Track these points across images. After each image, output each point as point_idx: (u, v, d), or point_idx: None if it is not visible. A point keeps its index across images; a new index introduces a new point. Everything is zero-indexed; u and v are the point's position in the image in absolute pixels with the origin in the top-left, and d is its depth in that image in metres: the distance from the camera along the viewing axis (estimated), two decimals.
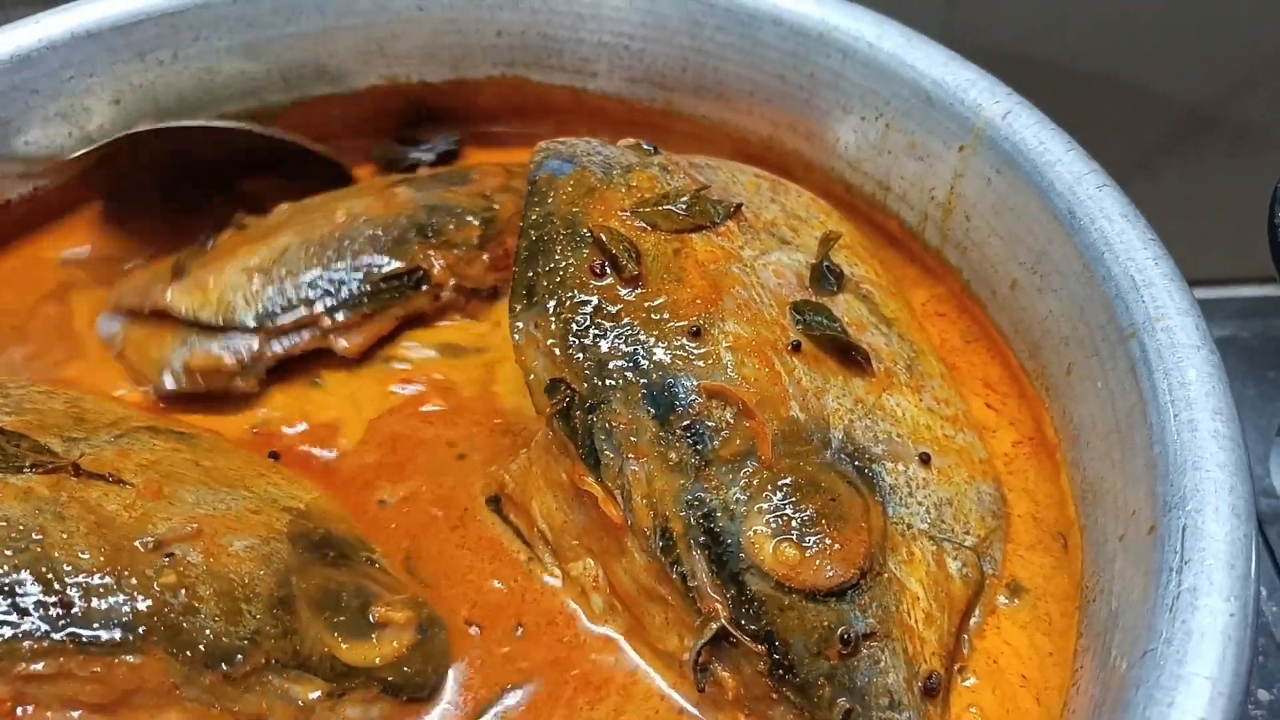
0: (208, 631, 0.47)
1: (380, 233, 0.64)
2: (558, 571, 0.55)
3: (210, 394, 0.61)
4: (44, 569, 0.46)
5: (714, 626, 0.49)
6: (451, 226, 0.66)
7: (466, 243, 0.66)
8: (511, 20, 0.74)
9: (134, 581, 0.47)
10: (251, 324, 0.60)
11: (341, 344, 0.62)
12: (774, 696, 0.49)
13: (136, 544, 0.48)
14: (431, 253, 0.65)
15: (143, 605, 0.46)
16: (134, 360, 0.60)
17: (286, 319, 0.60)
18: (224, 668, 0.47)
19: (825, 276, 0.59)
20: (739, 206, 0.59)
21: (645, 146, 0.63)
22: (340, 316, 0.61)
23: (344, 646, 0.50)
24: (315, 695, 0.48)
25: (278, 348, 0.61)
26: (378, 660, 0.50)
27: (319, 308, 0.61)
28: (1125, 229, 0.53)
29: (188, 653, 0.46)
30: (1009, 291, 0.60)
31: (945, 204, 0.63)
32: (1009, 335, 0.60)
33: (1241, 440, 0.45)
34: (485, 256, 0.67)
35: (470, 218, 0.67)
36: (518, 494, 0.56)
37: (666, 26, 0.71)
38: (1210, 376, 0.47)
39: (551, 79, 0.76)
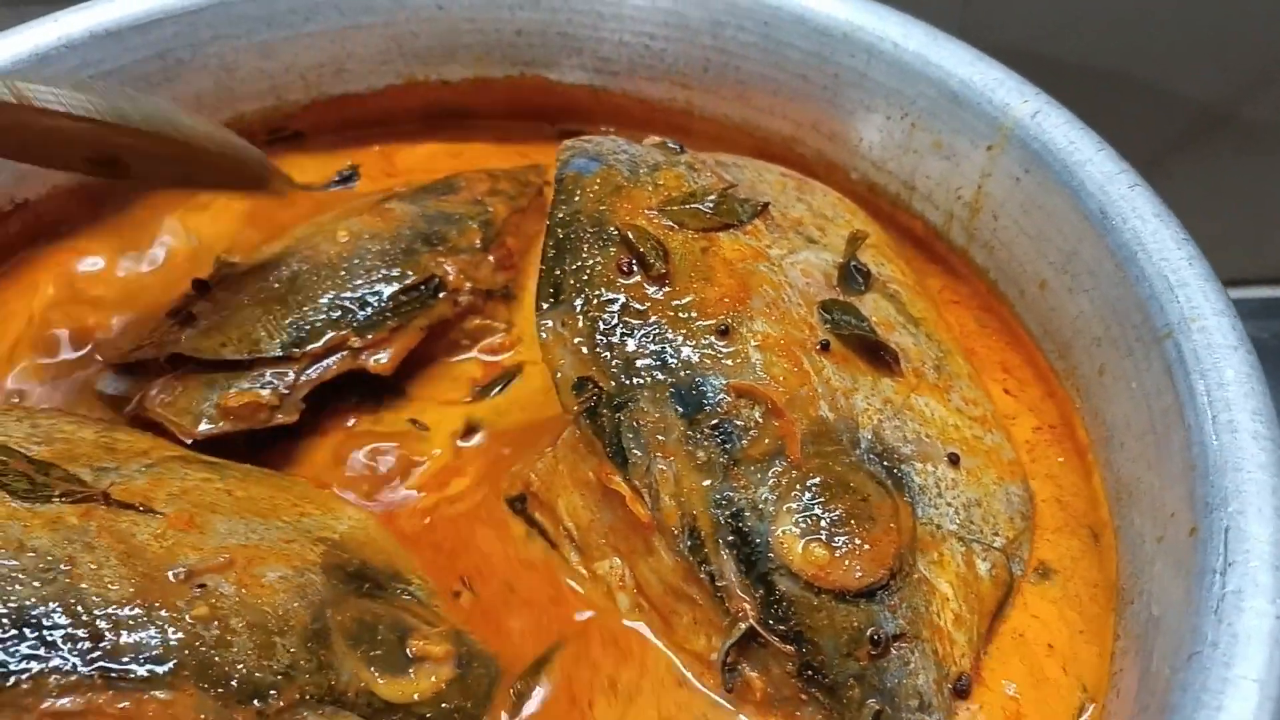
0: (240, 666, 0.45)
1: (388, 247, 0.64)
2: (584, 571, 0.55)
3: (254, 432, 0.59)
4: (72, 600, 0.44)
5: (742, 626, 0.48)
6: (454, 233, 0.66)
7: (471, 246, 0.66)
8: (531, 19, 0.74)
9: (164, 614, 0.45)
10: (280, 354, 0.59)
11: (374, 361, 0.61)
12: (803, 697, 0.48)
13: (168, 575, 0.46)
14: (441, 260, 0.64)
15: (174, 638, 0.44)
16: (161, 412, 0.58)
17: (315, 344, 0.60)
18: (257, 703, 0.45)
19: (853, 276, 0.58)
20: (766, 205, 0.59)
21: (671, 145, 0.62)
22: (369, 334, 0.61)
23: (381, 682, 0.48)
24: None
25: (312, 374, 0.60)
26: (416, 696, 0.49)
27: (345, 328, 0.60)
28: (1159, 229, 0.52)
29: (220, 689, 0.44)
30: (1038, 291, 0.59)
31: (972, 204, 0.62)
32: (1038, 336, 0.60)
33: None
34: (491, 258, 0.67)
35: (469, 222, 0.67)
36: (543, 492, 0.55)
37: (688, 26, 0.71)
38: (1249, 377, 0.47)
39: (571, 78, 0.75)
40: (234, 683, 0.45)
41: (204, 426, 0.57)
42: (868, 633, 0.48)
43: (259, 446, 0.59)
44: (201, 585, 0.46)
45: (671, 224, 0.56)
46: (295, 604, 0.48)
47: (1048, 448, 0.58)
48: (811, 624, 0.48)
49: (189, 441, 0.57)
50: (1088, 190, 0.55)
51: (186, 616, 0.45)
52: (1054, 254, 0.58)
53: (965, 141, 0.62)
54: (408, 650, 0.49)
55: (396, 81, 0.76)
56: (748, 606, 0.49)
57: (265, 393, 0.58)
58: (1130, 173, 0.55)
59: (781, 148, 0.72)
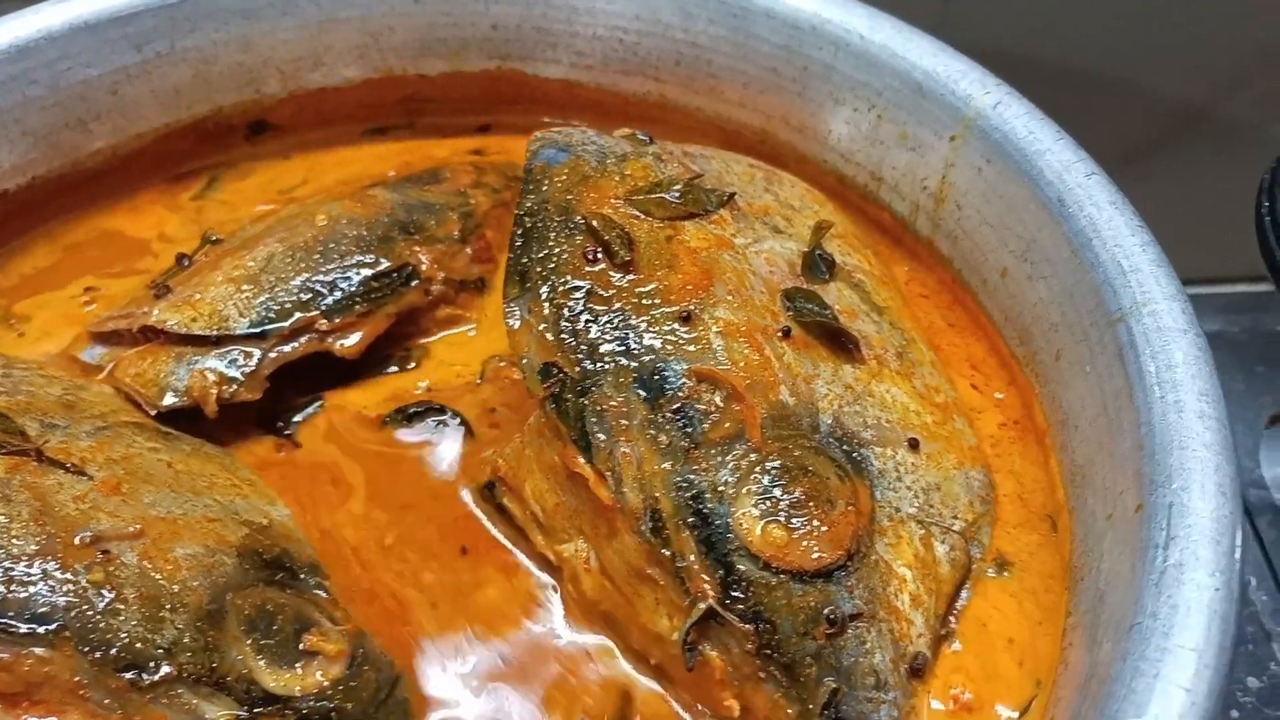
0: (124, 635, 0.46)
1: (364, 233, 0.64)
2: (549, 554, 0.55)
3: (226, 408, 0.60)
4: None
5: (702, 607, 0.49)
6: (432, 222, 0.67)
7: (448, 237, 0.67)
8: (507, 13, 0.74)
9: (60, 574, 0.46)
10: (247, 332, 0.60)
11: (340, 344, 0.62)
12: (761, 676, 0.49)
13: (75, 538, 0.47)
14: (417, 248, 0.65)
15: (63, 599, 0.46)
16: (129, 382, 0.59)
17: (282, 324, 0.60)
18: (131, 675, 0.46)
19: (817, 264, 0.59)
20: (732, 195, 0.59)
21: (640, 136, 0.63)
22: (336, 318, 0.61)
23: (265, 670, 0.48)
24: (224, 716, 0.47)
25: (276, 354, 0.61)
26: (297, 690, 0.48)
27: (313, 310, 0.61)
28: (1113, 215, 0.53)
29: (98, 654, 0.45)
30: (1000, 280, 0.60)
31: (937, 194, 0.63)
32: (1000, 323, 0.61)
33: (1226, 421, 0.46)
34: (468, 249, 0.68)
35: (449, 213, 0.68)
36: (511, 477, 0.56)
37: (660, 20, 0.72)
38: (1196, 359, 0.47)
39: (547, 72, 0.76)
40: (114, 651, 0.46)
41: (168, 399, 0.58)
42: (825, 612, 0.48)
43: (228, 420, 0.60)
44: (105, 552, 0.47)
45: (637, 213, 0.57)
46: (196, 582, 0.48)
47: (1011, 442, 0.59)
48: (770, 604, 0.49)
49: (152, 413, 0.58)
50: (1046, 179, 0.56)
51: (82, 580, 0.46)
52: (1014, 242, 0.59)
53: (929, 132, 0.63)
54: (301, 644, 0.49)
55: (374, 75, 0.77)
56: (708, 587, 0.49)
57: (229, 370, 0.59)
58: (1087, 161, 0.56)
59: (753, 140, 0.72)
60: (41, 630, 0.45)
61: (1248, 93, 1.00)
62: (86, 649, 0.46)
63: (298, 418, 0.62)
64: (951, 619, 0.52)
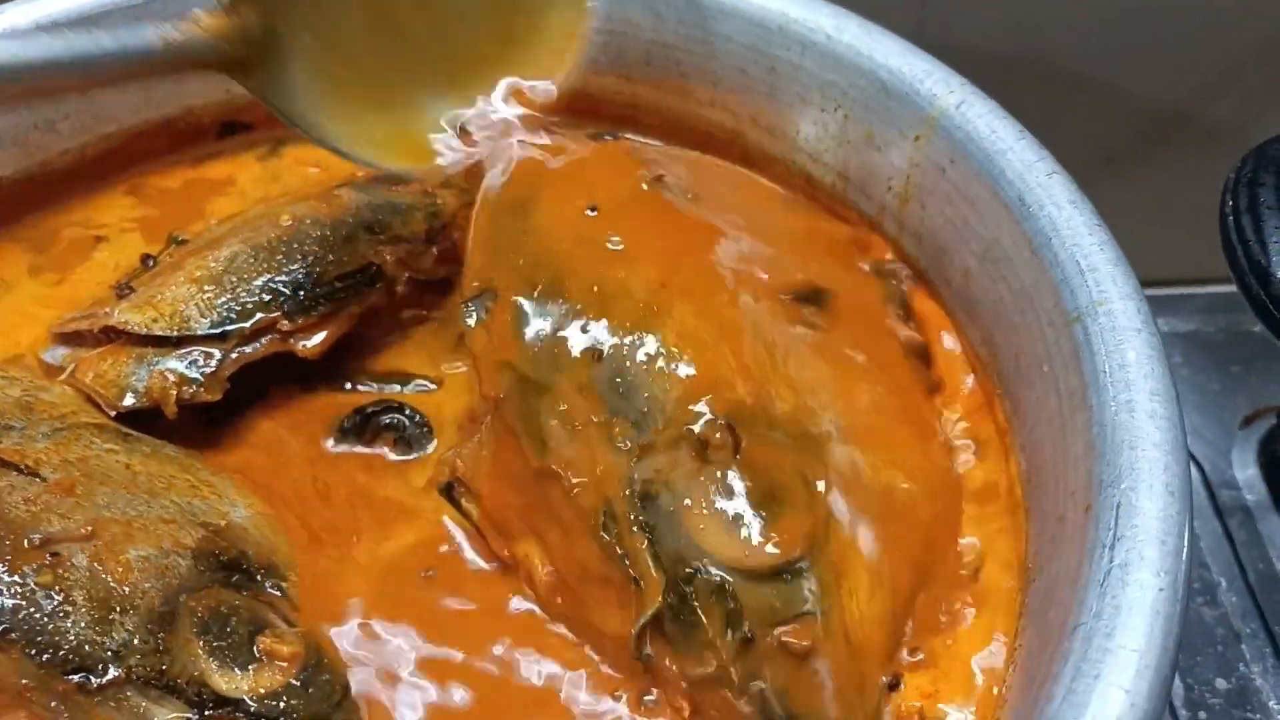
0: (71, 638, 0.46)
1: (329, 233, 0.64)
2: (505, 554, 0.55)
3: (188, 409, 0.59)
4: None
5: (651, 609, 0.49)
6: (398, 222, 0.67)
7: (414, 237, 0.67)
8: None
9: (6, 577, 0.46)
10: (209, 332, 0.60)
11: (303, 345, 0.61)
12: (713, 677, 0.49)
13: (24, 539, 0.47)
14: (382, 248, 0.65)
15: (9, 602, 0.46)
16: (89, 383, 0.59)
17: (244, 325, 0.60)
18: (78, 677, 0.45)
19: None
20: (695, 195, 0.59)
21: (605, 137, 0.63)
22: (299, 319, 0.61)
23: (216, 673, 0.48)
24: (173, 718, 0.46)
25: (237, 355, 0.60)
26: (248, 692, 0.48)
27: (275, 311, 0.61)
28: (1072, 215, 0.53)
29: (45, 656, 0.45)
30: (963, 280, 0.60)
31: (902, 194, 0.63)
32: (964, 324, 0.61)
33: (1179, 421, 0.45)
34: (434, 249, 0.67)
35: (416, 212, 0.68)
36: (469, 478, 0.56)
37: (630, 19, 0.71)
38: (1149, 359, 0.47)
39: None
40: (61, 653, 0.45)
41: (128, 400, 0.58)
42: (779, 613, 0.48)
43: (189, 421, 0.59)
44: (55, 554, 0.47)
45: (595, 210, 0.56)
46: (148, 584, 0.48)
47: (973, 435, 0.59)
48: (721, 603, 0.48)
49: (112, 414, 0.58)
50: (1007, 178, 0.56)
51: (30, 582, 0.46)
52: (976, 242, 0.58)
53: (895, 132, 0.63)
54: (255, 647, 0.49)
55: None
56: (660, 586, 0.49)
57: (189, 370, 0.58)
58: (1048, 160, 0.56)
59: (725, 140, 0.72)
60: None
61: (1227, 94, 0.99)
62: (34, 651, 0.45)
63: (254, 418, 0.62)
64: (910, 622, 0.52)
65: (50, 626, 0.46)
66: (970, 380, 0.61)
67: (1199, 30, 0.95)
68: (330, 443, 0.61)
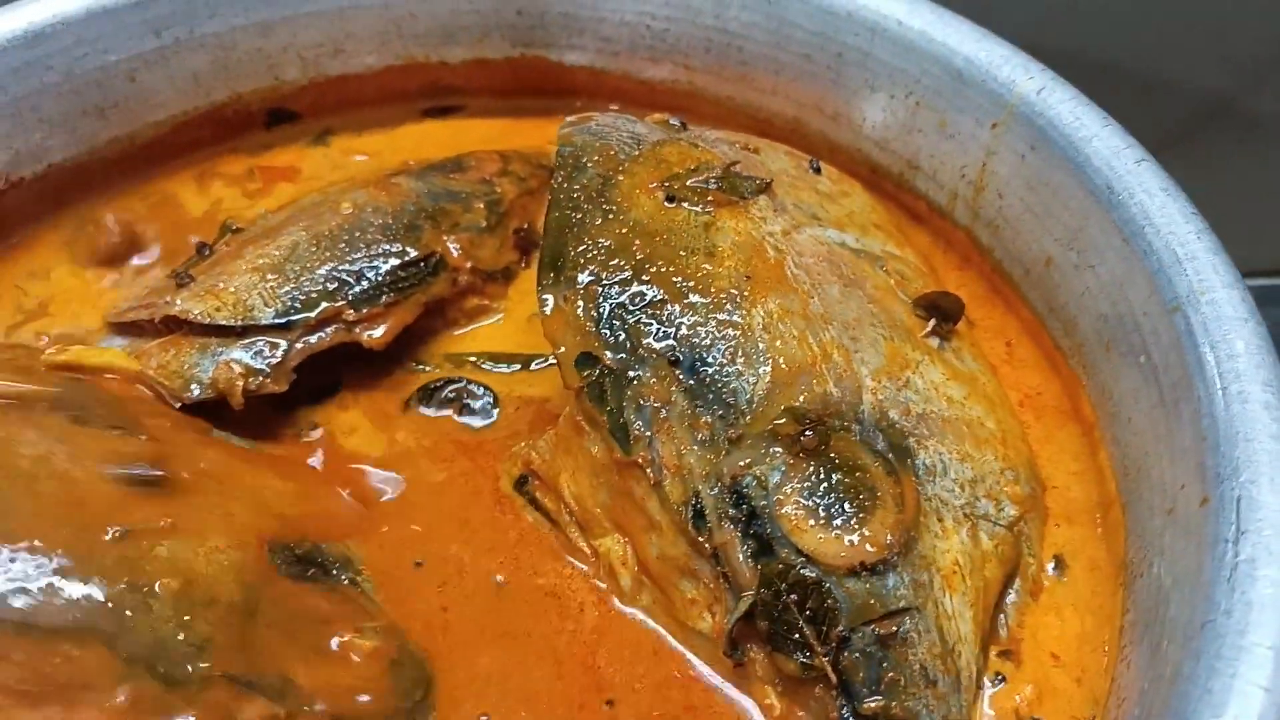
0: (156, 632, 0.44)
1: (390, 221, 0.63)
2: (585, 548, 0.54)
3: (254, 399, 0.58)
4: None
5: (747, 603, 0.48)
6: (459, 210, 0.66)
7: (475, 226, 0.66)
8: None
9: (86, 571, 0.45)
10: (273, 322, 0.59)
11: (368, 335, 0.60)
12: (807, 673, 0.47)
13: (105, 532, 0.46)
14: (445, 237, 0.64)
15: (92, 596, 0.44)
16: (153, 374, 0.58)
17: (309, 314, 0.59)
18: (164, 672, 0.44)
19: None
20: (770, 183, 0.58)
21: (673, 122, 0.62)
22: (364, 309, 0.60)
23: (301, 668, 0.46)
24: (259, 716, 0.45)
25: (302, 345, 0.59)
26: (330, 688, 0.47)
27: (340, 301, 0.59)
28: (1166, 203, 0.52)
29: (129, 653, 0.44)
30: (1043, 269, 0.59)
31: (977, 182, 0.62)
32: (1043, 314, 0.60)
33: None
34: (495, 239, 0.66)
35: (476, 201, 0.66)
36: (545, 471, 0.55)
37: (690, 5, 0.70)
38: (1259, 349, 0.46)
39: (571, 59, 0.75)
40: (146, 648, 0.44)
41: (193, 391, 0.57)
42: (872, 609, 0.47)
43: (255, 411, 0.58)
44: (136, 547, 0.46)
45: (674, 199, 0.55)
46: (228, 578, 0.47)
47: (1055, 436, 0.58)
48: (816, 599, 0.47)
49: (176, 405, 0.57)
50: (1094, 166, 0.55)
51: (111, 576, 0.45)
52: (1060, 231, 0.57)
53: (970, 119, 0.62)
54: (334, 641, 0.48)
55: (395, 62, 0.76)
56: (752, 582, 0.48)
57: (255, 361, 0.57)
58: (1137, 148, 0.55)
59: (785, 129, 0.71)
60: (71, 629, 0.44)
61: (1271, 85, 0.98)
62: (118, 646, 0.44)
63: (323, 409, 0.60)
64: (1003, 619, 0.51)
65: (135, 622, 0.44)
66: (1046, 370, 0.60)
67: (1243, 19, 0.94)
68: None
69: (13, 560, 0.44)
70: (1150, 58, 0.97)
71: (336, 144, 0.76)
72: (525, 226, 0.68)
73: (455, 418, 0.60)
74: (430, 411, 0.60)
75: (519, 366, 0.62)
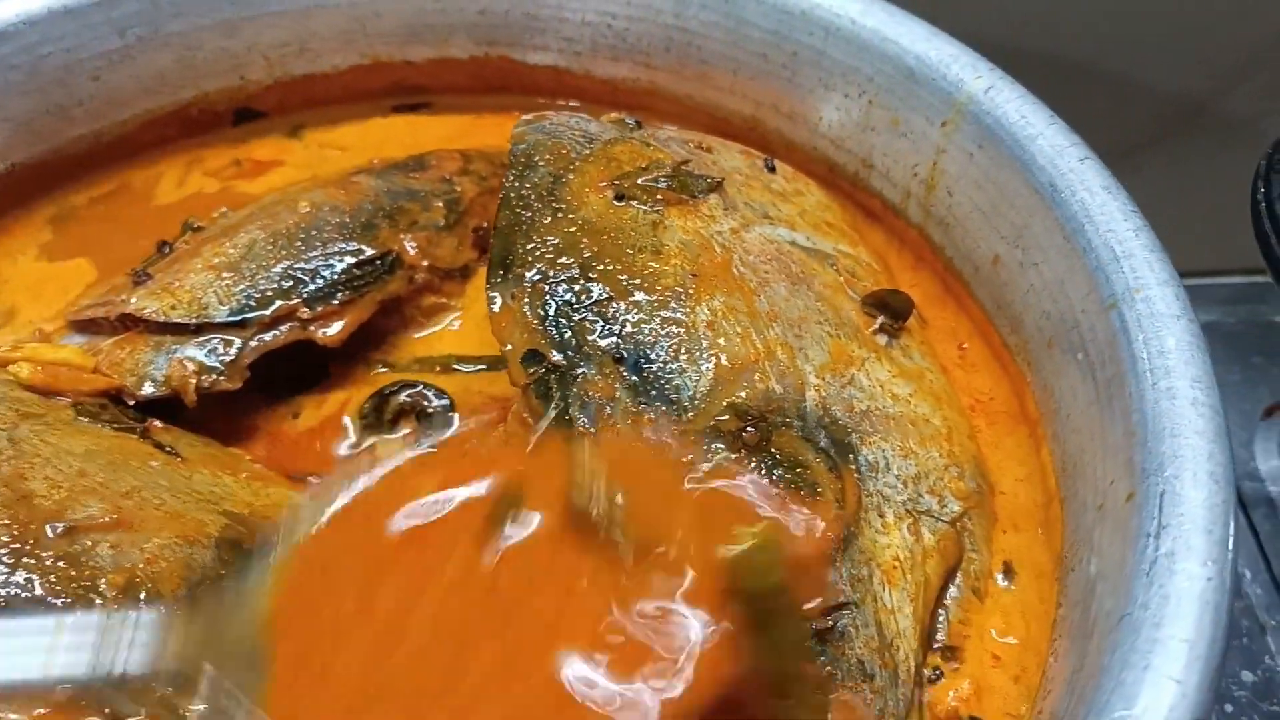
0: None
1: (348, 220, 0.63)
2: None
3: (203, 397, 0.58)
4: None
5: None
6: (417, 209, 0.66)
7: (433, 225, 0.66)
8: None
9: (31, 566, 0.45)
10: (227, 320, 0.59)
11: (322, 333, 0.61)
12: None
13: (47, 529, 0.46)
14: (402, 235, 0.64)
15: (35, 592, 0.45)
16: (108, 372, 0.58)
17: (263, 312, 0.59)
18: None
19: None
20: (720, 182, 0.59)
21: (628, 121, 0.62)
22: (318, 307, 0.60)
23: None
24: (199, 708, 0.45)
25: (256, 343, 0.59)
26: None
27: (295, 299, 0.60)
28: (1106, 201, 0.52)
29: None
30: (991, 267, 0.59)
31: (928, 180, 0.62)
32: (991, 312, 0.60)
33: (1220, 408, 0.45)
34: (453, 237, 0.67)
35: (435, 199, 0.67)
36: None
37: (651, 5, 0.71)
38: (1189, 345, 0.47)
39: (535, 59, 0.75)
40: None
41: (147, 389, 0.57)
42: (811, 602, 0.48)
43: (209, 410, 0.59)
44: (79, 543, 0.46)
45: (622, 198, 0.56)
46: (175, 573, 0.47)
47: (1002, 434, 0.58)
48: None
49: (131, 403, 0.57)
50: (1039, 164, 0.55)
51: (55, 572, 0.45)
52: (1006, 229, 0.58)
53: (921, 118, 0.62)
54: None
55: (361, 61, 0.76)
56: None
57: (209, 359, 0.58)
58: (1080, 146, 0.55)
59: (742, 127, 0.72)
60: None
61: (1246, 85, 0.99)
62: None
63: (280, 408, 0.61)
64: (944, 616, 0.52)
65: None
66: (994, 369, 0.61)
67: (1215, 22, 0.95)
68: (351, 435, 0.60)
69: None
70: (1124, 60, 0.97)
71: (310, 138, 0.77)
72: (485, 225, 0.69)
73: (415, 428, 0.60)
74: (385, 434, 0.60)
75: (484, 367, 0.63)
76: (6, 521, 0.46)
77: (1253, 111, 1.00)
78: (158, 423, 0.57)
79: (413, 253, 0.64)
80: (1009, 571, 0.53)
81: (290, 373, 0.61)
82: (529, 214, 0.55)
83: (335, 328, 0.61)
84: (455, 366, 0.63)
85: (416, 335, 0.65)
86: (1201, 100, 1.01)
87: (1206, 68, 0.98)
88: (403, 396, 0.60)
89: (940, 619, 0.52)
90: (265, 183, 0.73)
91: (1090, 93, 0.98)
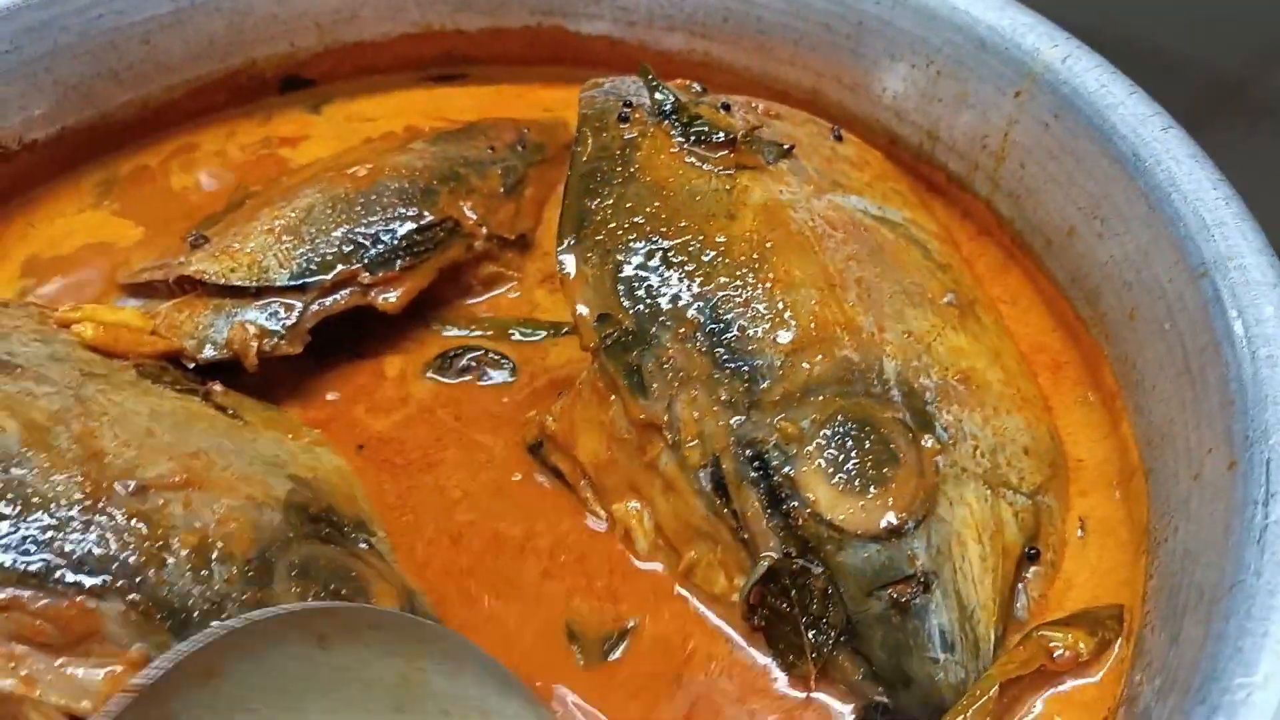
0: (172, 586, 0.44)
1: (407, 185, 0.62)
2: (602, 513, 0.54)
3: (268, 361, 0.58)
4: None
5: (764, 565, 0.47)
6: (475, 177, 0.65)
7: (491, 192, 0.65)
8: None
9: (106, 523, 0.44)
10: (288, 284, 0.58)
11: (383, 299, 0.60)
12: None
13: (119, 486, 0.46)
14: (461, 202, 0.63)
15: (109, 549, 0.44)
16: (167, 335, 0.57)
17: (324, 277, 0.58)
18: (178, 623, 0.44)
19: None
20: (792, 148, 0.58)
21: (695, 87, 0.61)
22: (379, 272, 0.59)
23: None
24: None
25: (317, 307, 0.58)
26: None
27: (355, 263, 0.59)
28: (1194, 169, 0.51)
29: (145, 607, 0.44)
30: (1065, 239, 0.58)
31: (998, 152, 0.61)
32: (1064, 284, 0.59)
33: None
34: (511, 205, 0.66)
35: (492, 167, 0.66)
36: (561, 435, 0.54)
37: None
38: None
39: (589, 28, 0.74)
40: (160, 601, 0.44)
41: (208, 352, 0.56)
42: (890, 573, 0.47)
43: (268, 373, 0.58)
44: (151, 501, 0.45)
45: (695, 162, 0.55)
46: (245, 535, 0.47)
47: (1073, 400, 0.57)
48: (834, 564, 0.47)
49: (191, 365, 0.56)
50: (1120, 133, 0.54)
51: (128, 530, 0.44)
52: (1083, 199, 0.57)
53: (991, 88, 0.61)
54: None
55: (411, 30, 0.75)
56: (770, 545, 0.48)
57: (270, 322, 0.57)
58: (1163, 115, 0.54)
59: (802, 99, 0.70)
60: (88, 581, 0.43)
61: None
62: (136, 598, 0.44)
63: (339, 372, 0.60)
64: (1022, 595, 0.51)
65: (151, 575, 0.44)
66: (1065, 341, 0.60)
67: (1254, 2, 0.94)
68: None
69: (30, 514, 0.44)
70: (1163, 38, 0.96)
71: (340, 110, 0.76)
72: (540, 194, 0.68)
73: (476, 384, 0.60)
74: (449, 380, 0.60)
75: (545, 334, 0.62)
76: (80, 479, 0.45)
77: None
78: (218, 386, 0.56)
79: (472, 220, 0.63)
80: (1087, 543, 0.52)
81: (331, 338, 0.60)
82: (601, 177, 0.54)
83: (395, 294, 0.60)
84: (512, 334, 0.62)
85: (470, 302, 0.64)
86: (1242, 78, 1.00)
87: (1247, 45, 0.97)
88: (467, 359, 0.59)
89: (1019, 598, 0.51)
90: (307, 151, 0.72)
91: (1124, 70, 0.97)
